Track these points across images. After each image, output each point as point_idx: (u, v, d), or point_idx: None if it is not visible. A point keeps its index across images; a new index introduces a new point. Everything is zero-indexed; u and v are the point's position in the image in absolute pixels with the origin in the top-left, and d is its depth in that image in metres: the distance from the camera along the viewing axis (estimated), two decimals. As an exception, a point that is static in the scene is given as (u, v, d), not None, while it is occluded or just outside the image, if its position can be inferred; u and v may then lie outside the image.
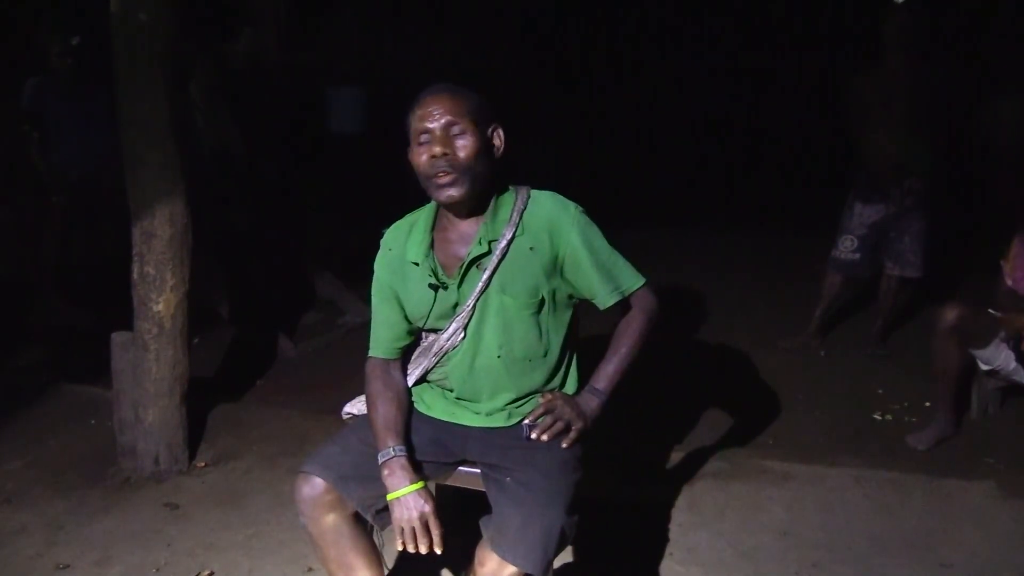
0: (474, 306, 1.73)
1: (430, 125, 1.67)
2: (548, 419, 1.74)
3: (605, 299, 1.75)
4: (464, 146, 1.67)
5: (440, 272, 1.74)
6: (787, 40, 7.19)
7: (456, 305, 1.74)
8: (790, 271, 4.81)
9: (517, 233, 1.71)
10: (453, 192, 1.67)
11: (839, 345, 3.86)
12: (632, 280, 1.77)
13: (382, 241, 1.84)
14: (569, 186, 1.93)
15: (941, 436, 2.89)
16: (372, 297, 1.85)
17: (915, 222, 3.56)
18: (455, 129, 1.67)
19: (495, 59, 6.30)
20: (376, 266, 1.83)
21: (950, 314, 2.72)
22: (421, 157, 1.68)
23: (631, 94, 7.38)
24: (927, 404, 3.16)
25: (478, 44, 6.35)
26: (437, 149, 1.65)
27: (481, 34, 6.51)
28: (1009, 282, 2.78)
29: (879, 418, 3.15)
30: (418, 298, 1.77)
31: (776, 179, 6.53)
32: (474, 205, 1.72)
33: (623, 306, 1.78)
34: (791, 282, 4.58)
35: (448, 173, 1.66)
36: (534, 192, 1.76)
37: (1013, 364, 2.77)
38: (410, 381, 1.86)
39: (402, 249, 1.79)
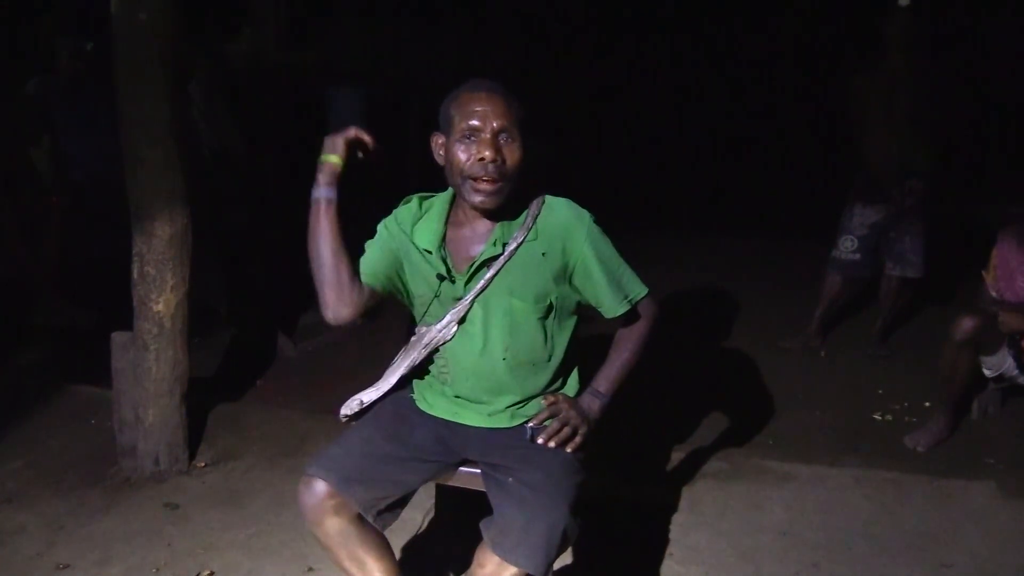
0: (472, 302, 1.73)
1: (481, 124, 1.64)
2: (554, 424, 1.75)
3: (613, 308, 1.75)
4: (511, 153, 1.65)
5: (451, 266, 1.75)
6: (788, 42, 7.20)
7: (458, 299, 1.75)
8: (790, 272, 4.81)
9: (529, 238, 1.71)
10: (491, 200, 1.66)
11: (839, 345, 3.86)
12: (638, 289, 1.78)
13: (395, 210, 1.82)
14: (571, 188, 1.93)
15: (939, 438, 2.90)
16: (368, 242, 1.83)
17: (916, 222, 3.56)
18: (505, 135, 1.65)
19: (496, 59, 6.30)
20: (381, 225, 1.82)
21: (967, 324, 2.69)
22: (464, 155, 1.65)
23: (633, 97, 7.38)
24: (927, 404, 3.17)
25: (478, 44, 6.35)
26: (488, 153, 1.62)
27: (481, 34, 6.51)
28: (993, 293, 2.78)
29: (879, 418, 3.15)
30: (422, 281, 1.77)
31: (777, 181, 6.53)
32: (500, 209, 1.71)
33: (627, 312, 1.79)
34: (791, 283, 4.58)
35: (494, 181, 1.64)
36: (548, 198, 1.76)
37: (1015, 371, 2.78)
38: (399, 374, 1.85)
39: (408, 228, 1.78)
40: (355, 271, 1.76)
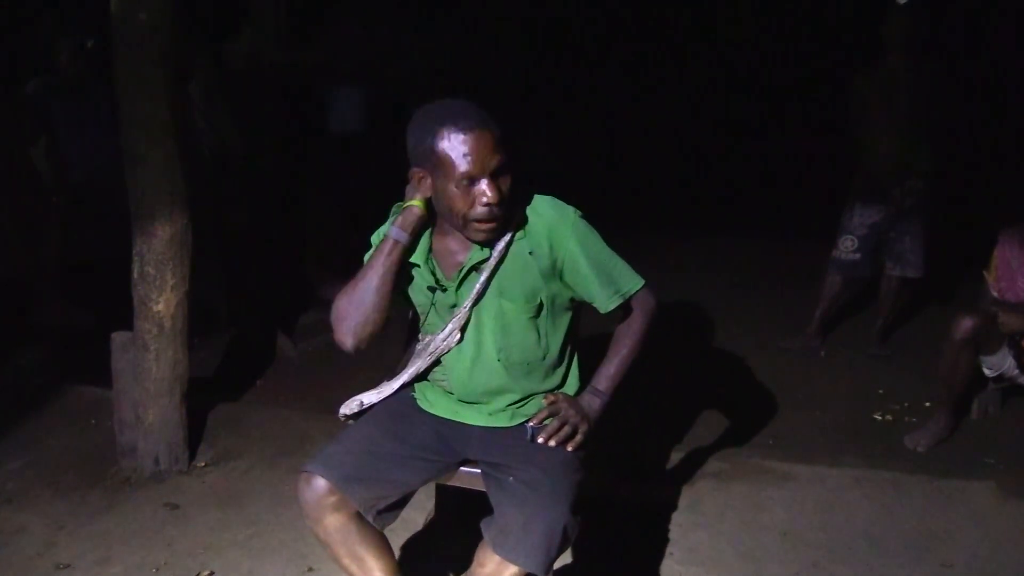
0: (471, 309, 1.73)
1: (479, 170, 1.59)
2: (554, 423, 1.75)
3: (606, 303, 1.75)
4: (506, 184, 1.63)
5: (440, 275, 1.75)
6: (789, 42, 7.20)
7: (453, 306, 1.75)
8: (790, 272, 4.80)
9: (516, 237, 1.71)
10: (493, 234, 1.66)
11: (839, 345, 3.86)
12: (632, 282, 1.77)
13: (386, 224, 1.80)
14: (572, 188, 1.93)
15: (939, 438, 2.90)
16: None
17: (916, 222, 3.56)
18: (500, 172, 1.62)
19: (496, 58, 6.30)
20: (374, 238, 1.82)
21: (967, 323, 2.69)
22: (464, 201, 1.61)
23: (634, 98, 7.38)
24: (927, 404, 3.17)
25: (478, 43, 6.35)
26: (492, 196, 1.59)
27: (481, 33, 6.51)
28: (995, 293, 2.78)
29: (879, 418, 3.15)
30: (417, 292, 1.78)
31: (776, 182, 6.53)
32: None
33: (623, 307, 1.79)
34: (791, 283, 4.58)
35: (496, 221, 1.63)
36: (534, 196, 1.75)
37: (1015, 371, 2.78)
38: (403, 380, 1.87)
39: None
40: (388, 313, 1.74)
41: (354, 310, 1.72)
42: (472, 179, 1.60)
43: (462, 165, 1.59)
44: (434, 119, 1.63)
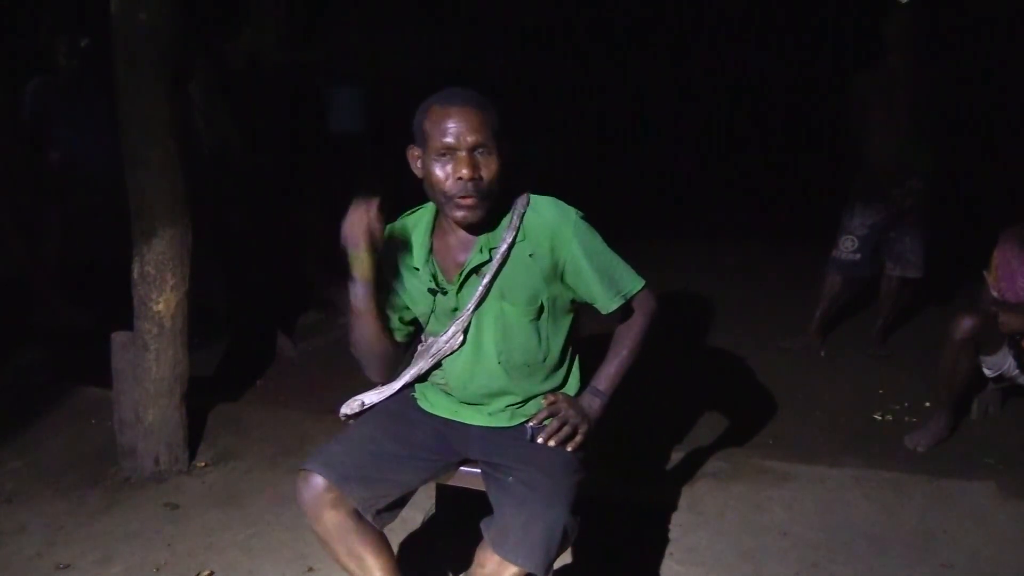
0: (473, 311, 1.73)
1: (456, 142, 1.62)
2: (554, 423, 1.75)
3: (607, 304, 1.75)
4: (488, 167, 1.64)
5: (440, 277, 1.75)
6: (790, 43, 7.20)
7: (455, 309, 1.75)
8: (790, 272, 4.81)
9: (517, 239, 1.71)
10: (472, 216, 1.66)
11: (839, 345, 3.86)
12: (633, 283, 1.77)
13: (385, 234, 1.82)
14: (570, 190, 1.93)
15: (939, 438, 2.90)
16: None
17: (915, 222, 3.56)
18: (481, 150, 1.64)
19: (495, 59, 6.30)
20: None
21: (967, 323, 2.70)
22: (440, 174, 1.64)
23: (633, 99, 7.38)
24: (927, 404, 3.17)
25: (478, 44, 6.35)
26: (465, 172, 1.61)
27: (481, 34, 6.51)
28: (995, 293, 2.78)
29: (879, 418, 3.16)
30: (417, 300, 1.78)
31: (777, 181, 6.53)
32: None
33: (623, 308, 1.79)
34: (791, 283, 4.58)
35: (472, 197, 1.63)
36: (534, 198, 1.75)
37: (1015, 371, 2.78)
38: (404, 381, 1.87)
39: (399, 250, 1.79)
40: (394, 343, 1.83)
41: (365, 359, 1.83)
42: (448, 151, 1.63)
43: (439, 137, 1.63)
44: (429, 99, 1.69)
